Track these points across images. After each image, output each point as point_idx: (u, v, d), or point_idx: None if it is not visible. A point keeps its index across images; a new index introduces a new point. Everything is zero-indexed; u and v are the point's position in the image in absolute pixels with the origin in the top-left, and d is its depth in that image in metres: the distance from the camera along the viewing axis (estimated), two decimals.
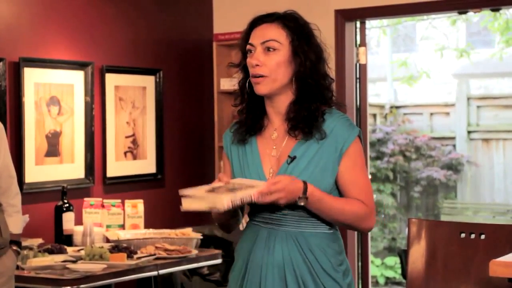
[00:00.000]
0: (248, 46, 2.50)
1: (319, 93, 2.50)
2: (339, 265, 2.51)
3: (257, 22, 2.51)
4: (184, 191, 2.36)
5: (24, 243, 3.98)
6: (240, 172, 2.54)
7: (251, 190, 2.33)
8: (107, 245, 4.29)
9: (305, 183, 2.38)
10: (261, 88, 2.49)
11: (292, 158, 2.47)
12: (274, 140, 2.55)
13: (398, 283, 9.43)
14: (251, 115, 2.56)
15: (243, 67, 2.56)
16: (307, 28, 2.53)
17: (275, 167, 2.51)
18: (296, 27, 2.49)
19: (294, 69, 2.48)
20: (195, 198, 2.34)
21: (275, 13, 2.53)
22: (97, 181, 4.98)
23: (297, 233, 2.47)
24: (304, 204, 2.38)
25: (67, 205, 4.56)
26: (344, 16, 5.32)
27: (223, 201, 2.28)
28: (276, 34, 2.47)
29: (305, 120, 2.47)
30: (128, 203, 4.82)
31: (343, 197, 2.49)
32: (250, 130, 2.56)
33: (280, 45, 2.46)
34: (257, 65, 2.46)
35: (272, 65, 2.46)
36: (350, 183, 2.48)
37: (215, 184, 2.40)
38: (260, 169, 2.52)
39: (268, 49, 2.46)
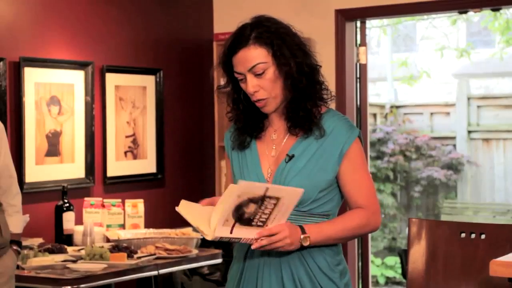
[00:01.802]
0: (236, 74, 2.50)
1: (313, 89, 2.50)
2: (336, 265, 2.51)
3: (233, 50, 2.48)
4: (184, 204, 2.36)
5: (24, 243, 3.98)
6: (240, 174, 2.55)
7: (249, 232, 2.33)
8: (107, 245, 4.29)
9: (300, 226, 2.40)
10: (267, 109, 2.51)
11: (291, 157, 2.48)
12: (274, 141, 2.56)
13: (398, 283, 9.44)
14: (250, 121, 2.57)
15: (231, 82, 2.56)
16: (281, 30, 2.49)
17: (273, 167, 2.51)
18: (271, 37, 2.45)
19: (285, 76, 2.47)
20: (193, 209, 2.35)
21: (245, 31, 2.47)
22: (98, 180, 4.98)
23: None
24: (308, 242, 2.40)
25: (67, 204, 4.56)
26: (345, 16, 5.32)
27: (213, 232, 2.27)
28: (257, 56, 2.44)
29: (304, 118, 2.49)
30: (129, 202, 4.82)
31: (341, 215, 2.51)
32: (250, 134, 2.57)
33: (266, 64, 2.45)
34: (255, 91, 2.47)
35: (268, 86, 2.46)
36: (351, 185, 2.49)
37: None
38: (259, 170, 2.52)
39: (257, 72, 2.46)
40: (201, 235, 4.58)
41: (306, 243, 2.40)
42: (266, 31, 2.46)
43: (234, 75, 2.51)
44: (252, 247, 2.35)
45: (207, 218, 2.32)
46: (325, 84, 2.54)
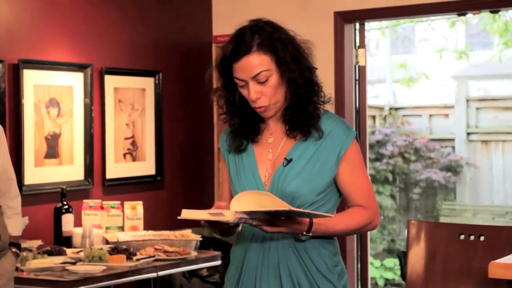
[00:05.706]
0: (236, 80, 2.46)
1: (312, 92, 2.50)
2: (334, 266, 2.52)
3: (234, 56, 2.43)
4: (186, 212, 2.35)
5: (23, 245, 3.97)
6: (237, 177, 2.55)
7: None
8: (106, 247, 4.29)
9: (310, 219, 2.39)
10: (268, 114, 2.50)
11: (289, 161, 2.48)
12: (270, 144, 2.55)
13: (397, 285, 9.44)
14: (246, 124, 2.55)
15: (226, 86, 2.53)
16: (281, 35, 2.47)
17: (270, 170, 2.51)
18: (274, 44, 2.43)
19: (287, 82, 2.47)
20: (196, 211, 2.34)
21: (245, 37, 2.43)
22: (96, 182, 4.98)
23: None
24: (306, 238, 2.44)
25: (66, 206, 4.56)
26: (344, 18, 5.32)
27: (231, 212, 2.25)
28: (261, 64, 2.42)
29: (305, 121, 2.49)
30: (127, 204, 4.82)
31: (344, 212, 2.50)
32: (246, 138, 2.56)
33: (269, 72, 2.43)
34: (257, 98, 2.45)
35: (270, 92, 2.45)
36: (351, 186, 2.50)
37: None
38: (256, 173, 2.52)
39: (260, 80, 2.44)
40: (200, 237, 4.57)
41: (303, 238, 2.42)
42: (268, 37, 2.44)
43: (234, 80, 2.48)
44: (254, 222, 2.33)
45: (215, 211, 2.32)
46: (321, 86, 2.54)
